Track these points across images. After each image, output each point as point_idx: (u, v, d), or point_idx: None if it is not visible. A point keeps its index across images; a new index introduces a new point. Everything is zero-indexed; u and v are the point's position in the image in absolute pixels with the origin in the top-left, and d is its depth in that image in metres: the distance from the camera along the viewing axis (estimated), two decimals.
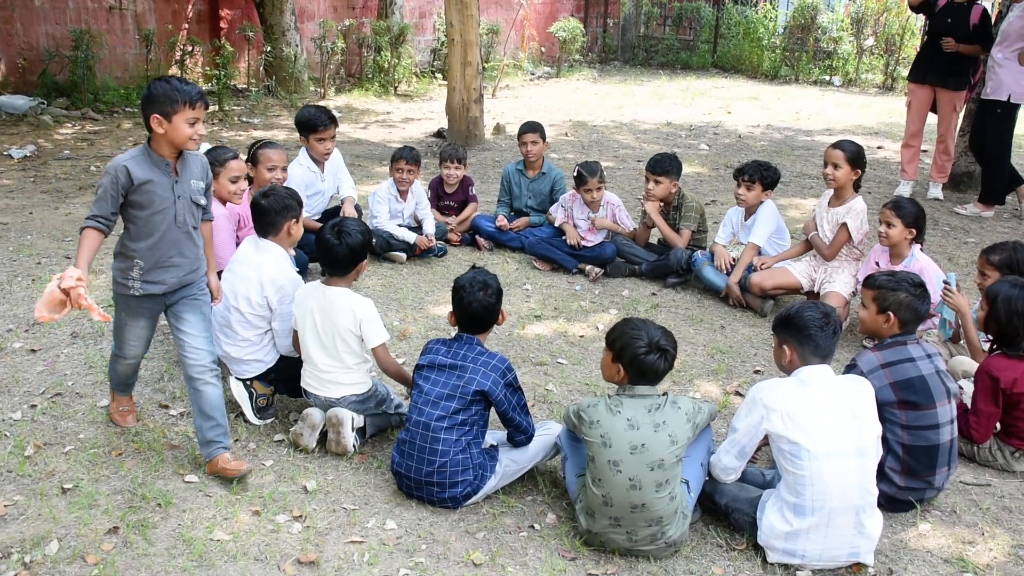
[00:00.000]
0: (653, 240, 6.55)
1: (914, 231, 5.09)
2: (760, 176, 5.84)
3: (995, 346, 4.19)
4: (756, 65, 17.45)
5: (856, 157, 5.48)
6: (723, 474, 3.58)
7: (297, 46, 12.38)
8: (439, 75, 14.72)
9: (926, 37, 8.73)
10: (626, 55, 18.74)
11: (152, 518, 3.54)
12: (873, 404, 3.43)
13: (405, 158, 6.39)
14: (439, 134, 10.97)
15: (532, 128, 6.90)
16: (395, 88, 13.60)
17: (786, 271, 5.71)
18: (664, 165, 6.12)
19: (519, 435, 3.77)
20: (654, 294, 6.10)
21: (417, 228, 6.57)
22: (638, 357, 3.39)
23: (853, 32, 16.58)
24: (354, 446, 4.02)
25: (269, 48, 11.99)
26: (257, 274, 4.15)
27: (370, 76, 13.52)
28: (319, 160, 5.99)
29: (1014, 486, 4.01)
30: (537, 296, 5.98)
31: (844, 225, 5.49)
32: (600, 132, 11.66)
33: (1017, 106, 8.06)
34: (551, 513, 3.71)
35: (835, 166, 5.49)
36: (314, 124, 5.87)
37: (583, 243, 6.43)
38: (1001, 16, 8.32)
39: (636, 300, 5.97)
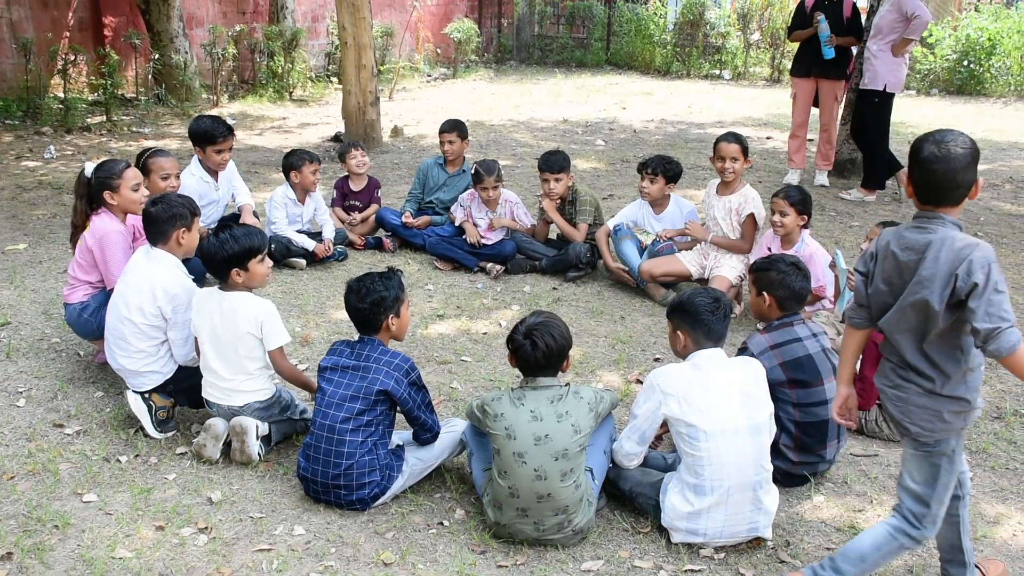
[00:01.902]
0: (552, 236, 6.64)
1: (805, 218, 5.29)
2: (663, 169, 5.98)
3: None
4: (649, 61, 17.80)
5: (747, 148, 5.68)
6: (626, 460, 3.67)
7: (187, 53, 12.09)
8: (334, 79, 14.58)
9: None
10: (521, 54, 18.88)
11: (49, 540, 3.44)
12: (765, 384, 3.57)
13: (311, 159, 6.36)
14: (336, 138, 10.86)
15: (451, 127, 6.91)
16: (290, 93, 13.41)
17: (675, 259, 5.88)
18: (558, 162, 6.21)
19: (425, 433, 3.79)
20: (555, 288, 6.19)
21: (317, 234, 6.51)
22: (512, 343, 3.51)
23: (740, 27, 17.07)
24: (259, 454, 3.99)
25: (157, 56, 11.68)
26: (149, 284, 4.07)
27: (263, 82, 13.30)
28: (212, 170, 5.88)
29: (899, 454, 4.19)
30: (439, 296, 6.01)
31: (751, 216, 5.68)
32: (498, 131, 11.73)
33: (892, 95, 8.44)
34: (459, 509, 3.74)
35: (733, 159, 5.67)
36: (212, 136, 5.77)
37: (483, 241, 6.47)
38: (872, 10, 8.69)
39: (537, 295, 6.05)
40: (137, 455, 4.05)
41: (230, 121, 11.59)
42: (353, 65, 10.04)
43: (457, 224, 6.63)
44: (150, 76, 11.87)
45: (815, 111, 9.23)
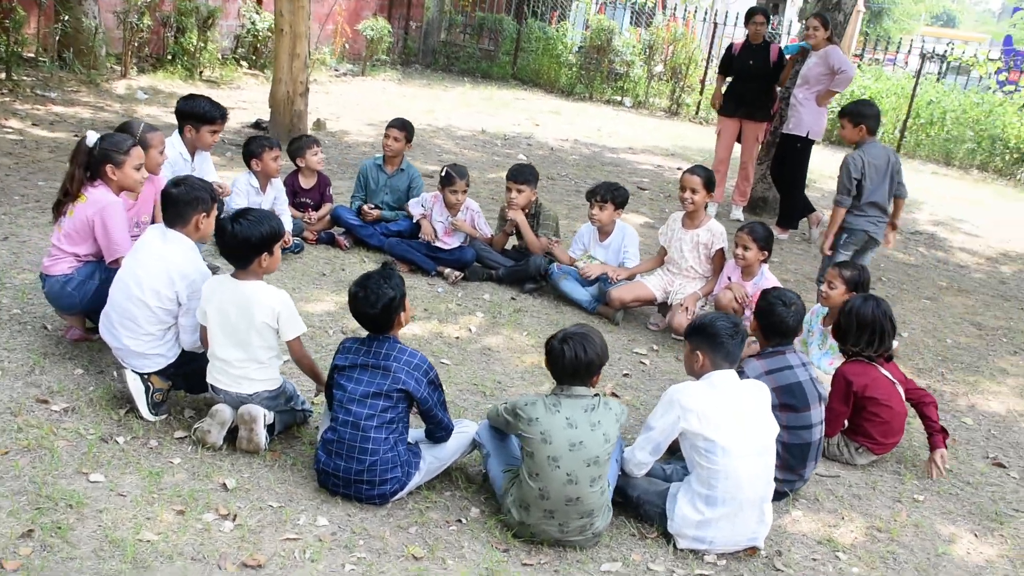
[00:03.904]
0: (507, 247, 6.80)
1: (766, 253, 5.66)
2: (612, 196, 6.23)
3: (850, 353, 4.75)
4: (554, 80, 18.19)
5: (709, 181, 6.00)
6: (636, 469, 3.88)
7: (95, 18, 11.56)
8: (244, 63, 14.23)
9: (732, 77, 9.59)
10: (427, 59, 18.92)
11: (67, 519, 3.34)
12: (769, 406, 3.86)
13: (271, 145, 6.30)
14: (257, 125, 10.66)
15: (400, 124, 6.96)
16: (200, 73, 13.02)
17: (642, 285, 6.14)
18: (525, 174, 6.39)
19: (440, 431, 3.87)
20: (513, 299, 6.35)
21: None
22: (547, 346, 3.68)
23: (644, 58, 17.71)
24: (266, 443, 3.97)
25: (67, 17, 11.12)
26: (164, 266, 3.99)
27: (171, 58, 12.85)
28: (191, 150, 5.76)
29: (858, 476, 4.60)
30: (412, 297, 6.03)
31: (720, 251, 6.05)
32: (419, 135, 11.67)
33: (813, 141, 9.05)
34: (473, 507, 3.85)
35: (693, 191, 5.98)
36: (212, 117, 5.72)
37: (437, 244, 6.56)
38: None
39: (498, 304, 6.19)
40: (134, 437, 3.95)
41: (142, 96, 11.20)
42: (286, 53, 9.89)
43: (415, 220, 6.69)
44: (56, 38, 11.27)
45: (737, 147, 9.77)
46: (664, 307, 6.23)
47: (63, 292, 4.43)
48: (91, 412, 4.09)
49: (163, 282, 3.98)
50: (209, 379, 3.99)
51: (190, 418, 4.20)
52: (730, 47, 9.71)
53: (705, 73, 17.70)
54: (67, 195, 4.48)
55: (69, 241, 4.43)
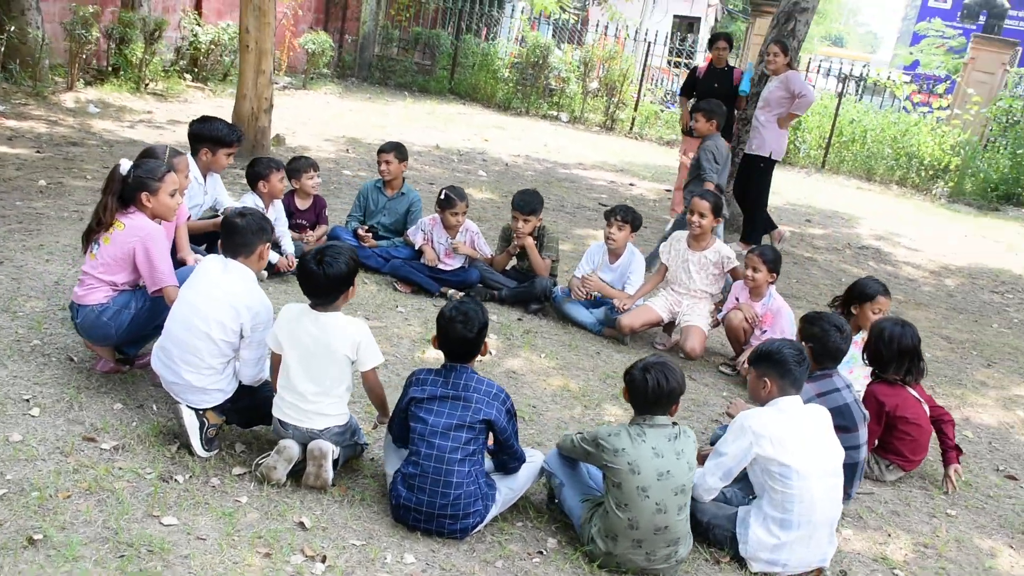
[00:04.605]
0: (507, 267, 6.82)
1: (775, 275, 5.82)
2: (632, 218, 6.31)
3: (875, 373, 4.93)
4: (491, 95, 18.25)
5: (717, 207, 6.13)
6: (706, 494, 3.93)
7: (39, 28, 11.11)
8: (188, 76, 13.86)
9: (696, 98, 9.82)
10: (363, 73, 18.75)
11: (154, 566, 3.21)
12: (832, 428, 3.98)
13: (277, 166, 6.19)
14: None
15: (390, 147, 6.93)
16: (146, 86, 12.62)
17: (649, 308, 6.20)
18: (532, 204, 6.38)
19: (514, 462, 3.87)
20: (520, 319, 6.36)
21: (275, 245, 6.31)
22: (629, 376, 3.71)
23: (580, 75, 17.94)
24: (332, 479, 3.89)
25: (13, 28, 10.64)
26: (229, 298, 3.88)
27: (114, 71, 12.42)
28: (204, 172, 5.61)
29: (890, 493, 4.77)
30: (416, 319, 6.01)
31: (735, 268, 6.16)
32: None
33: (776, 161, 9.34)
34: (550, 538, 3.84)
35: (701, 215, 6.11)
36: (230, 140, 5.62)
37: (440, 266, 6.54)
38: (761, 81, 9.58)
39: (508, 326, 6.20)
40: (193, 475, 3.83)
41: (94, 109, 10.82)
42: (252, 69, 9.71)
43: (417, 247, 6.66)
44: (1, 49, 10.77)
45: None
46: (670, 327, 6.34)
47: (98, 322, 4.26)
48: (142, 450, 3.94)
49: (228, 314, 3.87)
50: (277, 414, 3.89)
51: (242, 453, 4.09)
52: (694, 70, 9.98)
53: (639, 90, 18.06)
54: (100, 224, 4.32)
55: (106, 270, 4.26)
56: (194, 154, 5.61)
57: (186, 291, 3.98)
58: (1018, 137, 16.53)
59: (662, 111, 18.34)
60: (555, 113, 18.05)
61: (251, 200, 6.15)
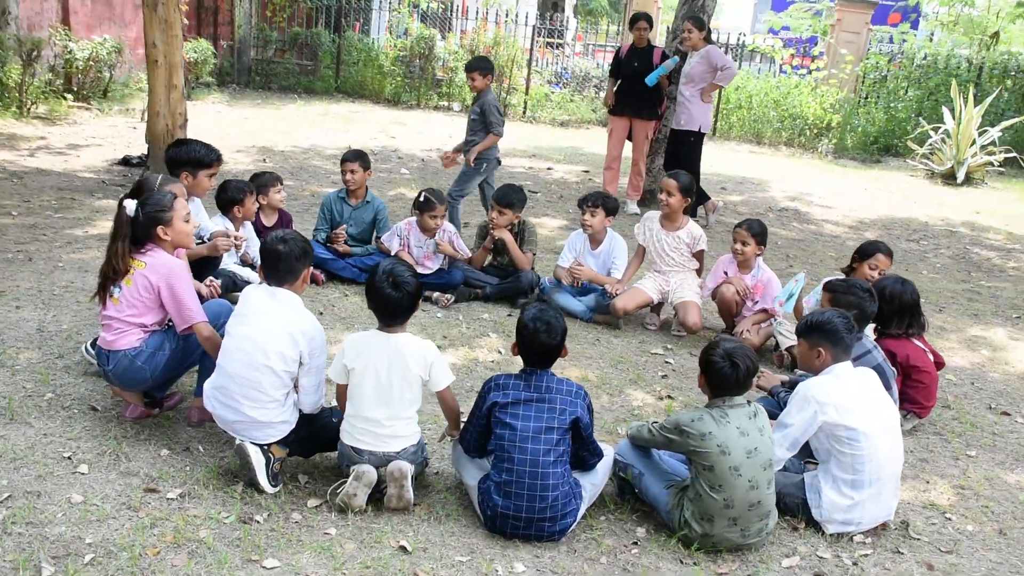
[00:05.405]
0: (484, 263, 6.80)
1: (762, 248, 6.02)
2: (603, 202, 6.39)
3: (878, 329, 5.16)
4: (379, 91, 18.01)
5: (686, 187, 6.28)
6: (776, 465, 4.05)
7: None
8: (68, 96, 13.10)
9: (621, 79, 9.99)
10: (243, 78, 18.15)
11: None
12: (883, 387, 4.17)
13: (249, 190, 5.98)
14: (127, 162, 9.94)
15: (353, 156, 6.78)
16: (28, 110, 11.88)
17: (640, 291, 6.31)
18: (510, 198, 6.41)
19: (593, 458, 3.89)
20: (510, 315, 6.36)
21: (250, 266, 6.10)
22: (712, 364, 3.77)
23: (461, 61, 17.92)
24: (413, 499, 3.82)
25: None
26: (284, 327, 3.75)
27: None
28: (186, 197, 5.34)
29: (911, 443, 5.01)
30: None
31: (702, 251, 6.40)
32: (295, 158, 11.41)
33: (704, 134, 9.60)
34: (638, 528, 3.89)
35: (669, 193, 6.25)
36: (209, 161, 5.39)
37: (420, 270, 6.46)
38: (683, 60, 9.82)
39: (501, 323, 6.19)
40: (271, 514, 3.69)
41: None
42: (163, 85, 9.25)
43: (393, 253, 6.55)
44: None
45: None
46: (659, 307, 6.47)
47: (132, 367, 4.04)
48: (208, 494, 3.77)
49: (287, 344, 3.74)
50: (349, 441, 3.78)
51: (307, 484, 3.97)
52: (618, 51, 10.13)
53: (528, 74, 18.18)
54: (116, 273, 4.08)
55: (133, 312, 4.04)
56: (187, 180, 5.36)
57: (237, 327, 3.82)
58: (889, 92, 17.52)
59: (551, 93, 18.52)
60: (446, 104, 17.98)
61: (221, 223, 5.91)
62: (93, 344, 4.68)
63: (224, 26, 18.10)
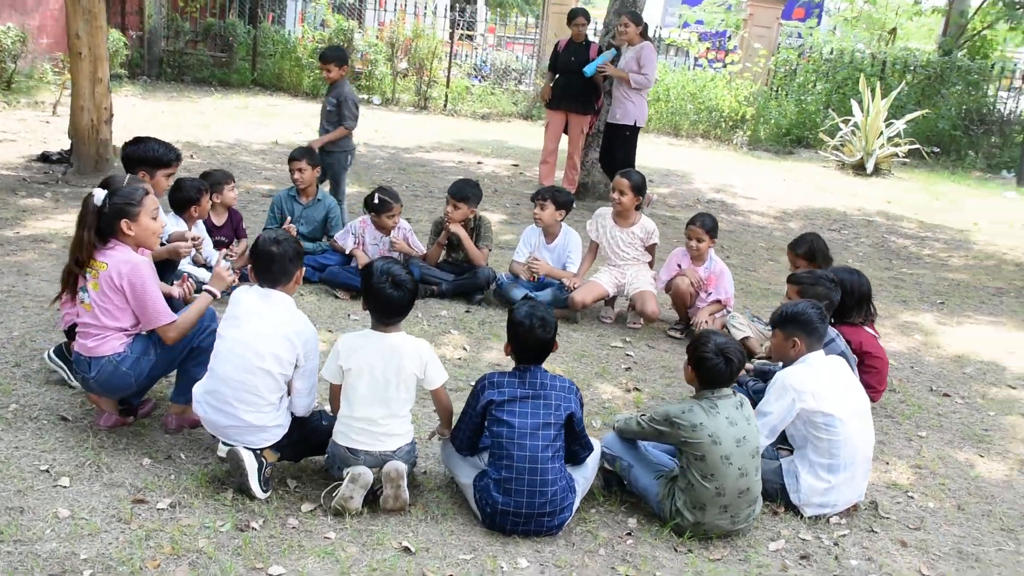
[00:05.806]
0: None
1: (714, 241, 6.19)
2: (551, 196, 6.47)
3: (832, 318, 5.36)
4: (297, 83, 17.71)
5: (637, 186, 6.39)
6: None
7: None
8: None
9: (557, 74, 10.08)
10: (154, 71, 17.58)
11: None
12: (852, 374, 4.36)
13: (204, 189, 5.84)
14: (46, 158, 9.56)
15: (300, 154, 6.70)
16: None
17: (597, 284, 6.40)
18: (464, 192, 6.41)
19: (585, 451, 3.96)
20: (468, 311, 6.38)
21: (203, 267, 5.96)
22: (704, 360, 3.88)
23: (388, 55, 17.76)
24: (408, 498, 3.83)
25: None
26: (278, 329, 3.70)
27: None
28: None
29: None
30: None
31: (655, 244, 6.54)
32: (221, 153, 11.14)
33: (639, 128, 9.77)
34: (629, 519, 3.98)
35: (621, 192, 6.37)
36: (168, 160, 5.15)
37: None
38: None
39: (459, 319, 6.20)
40: (267, 520, 3.65)
41: None
42: (87, 78, 8.94)
43: (347, 252, 6.50)
44: None
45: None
46: (613, 300, 6.58)
47: (116, 373, 3.91)
48: (199, 503, 3.70)
49: (283, 346, 3.69)
50: (344, 442, 3.76)
51: (297, 489, 3.93)
52: (556, 45, 10.20)
53: (449, 67, 18.14)
54: (79, 263, 3.94)
55: (108, 316, 3.90)
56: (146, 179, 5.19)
57: (229, 330, 3.75)
58: (799, 86, 18.10)
59: (472, 86, 18.53)
60: (366, 97, 17.78)
61: (172, 223, 5.76)
62: (57, 352, 4.53)
63: (132, 15, 17.47)
